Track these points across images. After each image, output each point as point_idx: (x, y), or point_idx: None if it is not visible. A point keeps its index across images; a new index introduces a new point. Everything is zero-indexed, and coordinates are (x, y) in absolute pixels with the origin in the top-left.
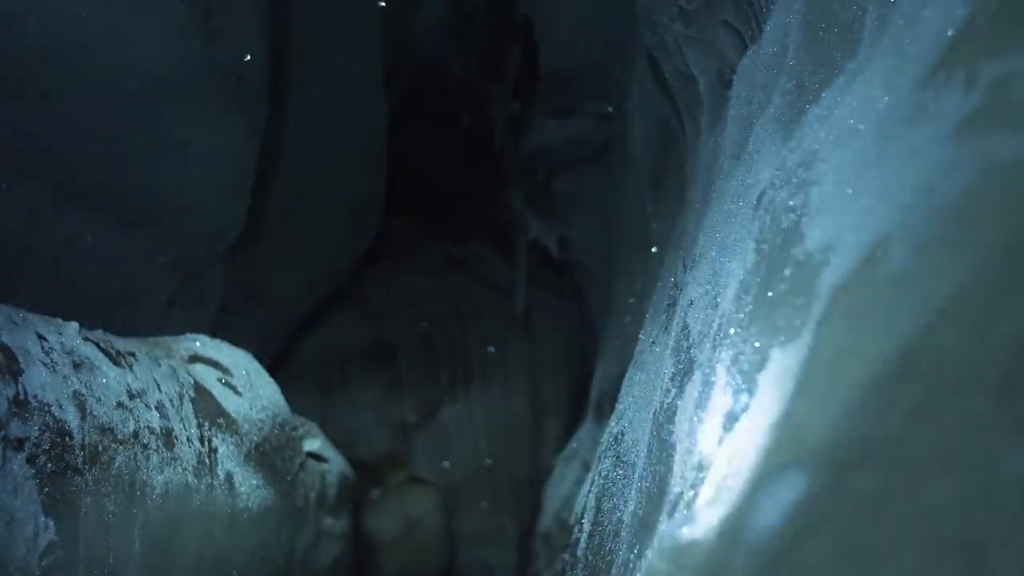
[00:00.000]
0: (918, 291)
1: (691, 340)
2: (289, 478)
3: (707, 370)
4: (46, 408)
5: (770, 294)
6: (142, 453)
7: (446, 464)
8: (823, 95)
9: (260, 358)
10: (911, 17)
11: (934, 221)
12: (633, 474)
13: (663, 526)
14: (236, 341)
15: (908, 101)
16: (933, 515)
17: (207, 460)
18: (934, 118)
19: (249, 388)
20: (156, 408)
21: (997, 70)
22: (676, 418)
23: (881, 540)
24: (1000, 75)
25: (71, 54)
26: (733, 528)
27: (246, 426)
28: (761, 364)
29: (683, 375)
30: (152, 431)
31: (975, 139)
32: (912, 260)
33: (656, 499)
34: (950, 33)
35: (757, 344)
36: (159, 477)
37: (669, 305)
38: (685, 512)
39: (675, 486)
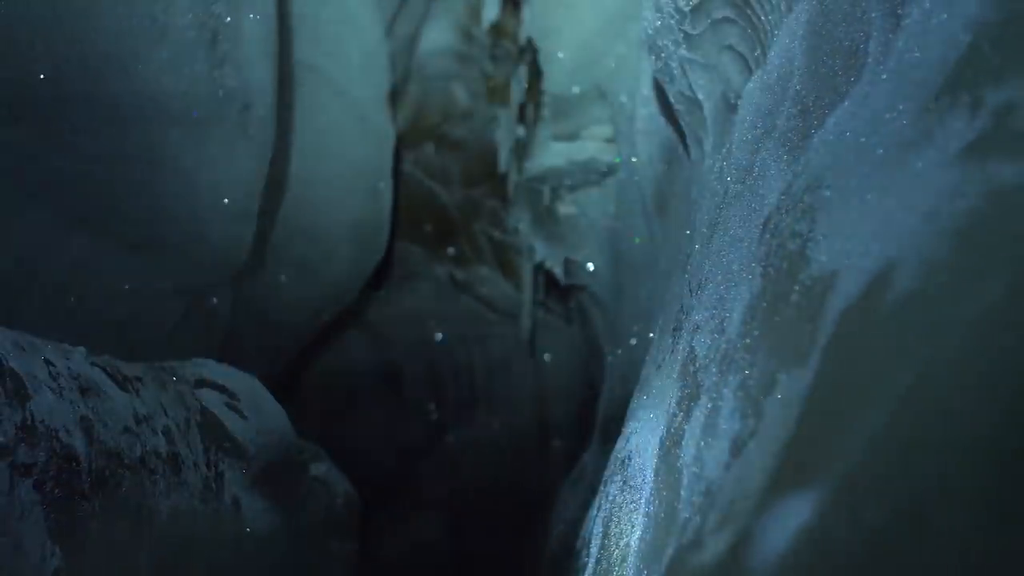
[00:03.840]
0: (924, 316)
1: (698, 364)
2: (295, 502)
3: (714, 395)
4: (53, 433)
5: (776, 319)
6: (149, 478)
7: (452, 488)
8: (828, 120)
9: (266, 382)
10: (915, 43)
11: (939, 246)
12: (640, 499)
13: (671, 552)
14: (242, 366)
15: (913, 126)
16: (939, 545)
17: (213, 485)
18: (938, 143)
19: (255, 413)
20: (163, 433)
21: (1001, 96)
22: (683, 443)
23: (886, 568)
24: (1004, 101)
25: (78, 80)
26: (740, 555)
27: (252, 450)
28: (768, 389)
29: (690, 399)
30: (159, 456)
31: (979, 164)
32: (917, 285)
33: (664, 524)
34: (954, 59)
35: (764, 369)
36: (166, 502)
37: (675, 329)
38: (693, 538)
39: (682, 511)
